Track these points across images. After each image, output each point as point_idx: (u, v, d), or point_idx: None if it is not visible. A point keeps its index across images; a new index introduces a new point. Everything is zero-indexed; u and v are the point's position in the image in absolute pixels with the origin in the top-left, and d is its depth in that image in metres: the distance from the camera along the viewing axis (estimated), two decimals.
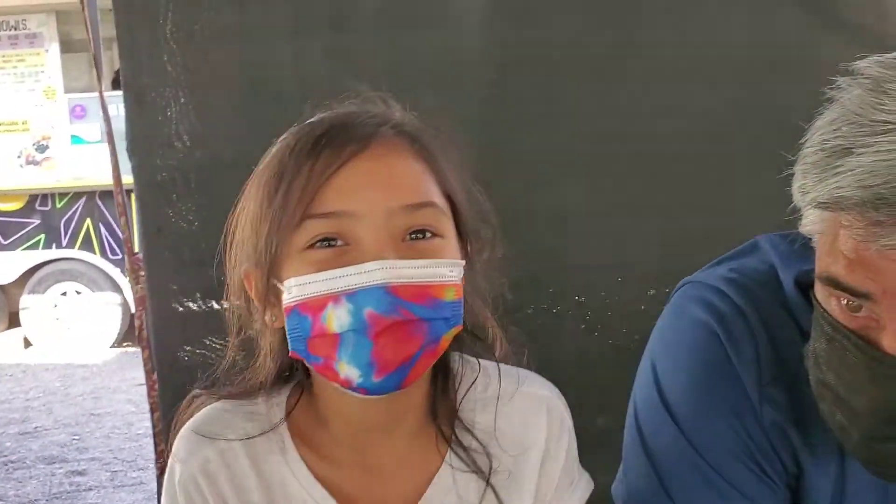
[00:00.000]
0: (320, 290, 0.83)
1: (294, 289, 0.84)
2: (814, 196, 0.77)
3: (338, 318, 0.82)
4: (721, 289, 0.95)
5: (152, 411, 1.96)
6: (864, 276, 0.75)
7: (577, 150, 1.78)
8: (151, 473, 4.26)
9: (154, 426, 1.96)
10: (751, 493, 0.89)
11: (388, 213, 0.84)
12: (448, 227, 0.88)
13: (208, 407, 0.97)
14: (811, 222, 0.81)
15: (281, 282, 0.86)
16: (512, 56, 1.77)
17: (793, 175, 0.83)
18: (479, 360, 0.97)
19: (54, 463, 4.84)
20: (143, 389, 2.18)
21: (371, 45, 1.74)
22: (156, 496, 2.22)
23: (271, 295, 0.88)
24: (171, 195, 1.80)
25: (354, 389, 0.84)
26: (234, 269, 0.95)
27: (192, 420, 0.96)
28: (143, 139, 1.80)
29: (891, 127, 0.72)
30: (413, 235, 0.85)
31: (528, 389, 0.96)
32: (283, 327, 0.88)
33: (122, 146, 1.89)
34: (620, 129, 1.78)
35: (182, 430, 0.96)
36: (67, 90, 7.84)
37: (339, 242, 0.84)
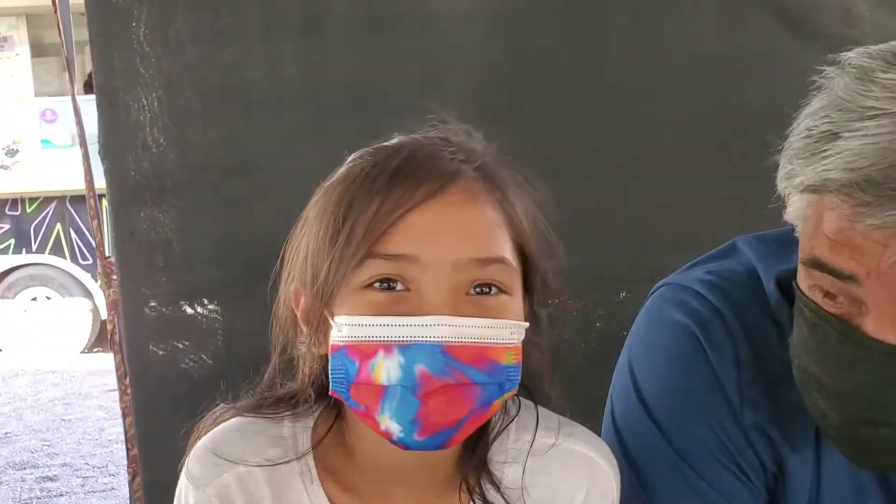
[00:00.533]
0: (373, 336, 0.77)
1: (345, 328, 0.79)
2: (801, 180, 0.78)
3: (387, 370, 0.77)
4: (698, 291, 0.95)
5: (124, 416, 1.94)
6: (849, 257, 0.75)
7: (547, 155, 1.80)
8: (123, 479, 4.22)
9: (126, 431, 1.95)
10: (729, 493, 0.90)
11: (455, 264, 0.78)
12: (516, 283, 0.83)
13: (229, 423, 0.90)
14: (796, 208, 0.81)
15: (332, 315, 0.81)
16: (485, 62, 1.78)
17: (775, 174, 0.85)
18: (522, 402, 0.91)
19: (25, 469, 4.77)
20: (115, 395, 2.17)
21: (344, 50, 1.74)
22: (127, 501, 2.20)
23: (321, 324, 0.83)
24: (144, 199, 1.79)
25: (393, 442, 0.80)
26: (286, 285, 0.89)
27: (210, 436, 0.89)
28: (115, 142, 1.79)
29: (878, 112, 0.73)
30: (478, 289, 0.80)
31: (569, 445, 0.89)
32: (328, 356, 0.83)
33: (94, 149, 1.88)
34: (592, 134, 1.80)
35: (199, 447, 0.88)
36: (38, 94, 7.76)
37: (399, 287, 0.79)
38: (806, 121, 0.80)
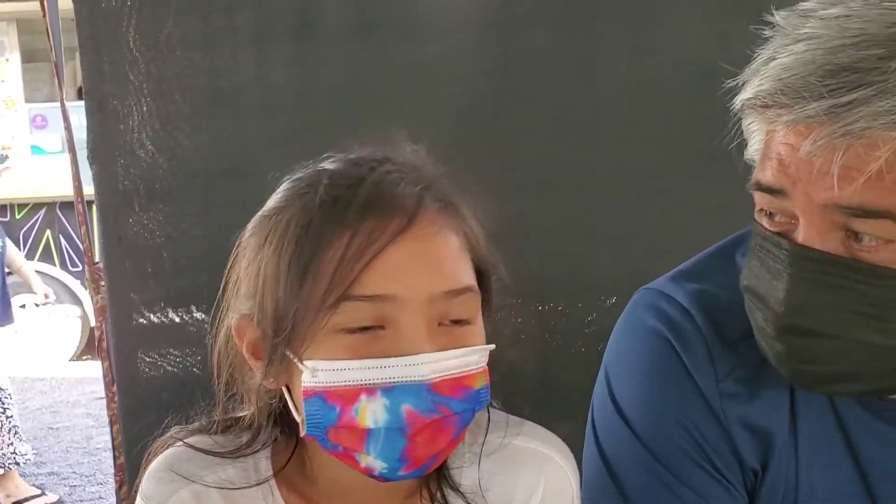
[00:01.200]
0: (353, 380, 0.75)
1: (321, 373, 0.76)
2: (741, 98, 0.84)
3: (373, 413, 0.75)
4: (669, 293, 0.97)
5: (111, 424, 1.93)
6: (778, 171, 0.81)
7: (536, 162, 1.80)
8: (110, 488, 4.20)
9: (113, 439, 1.94)
10: (706, 494, 0.90)
11: (430, 298, 0.78)
12: (478, 307, 0.83)
13: (186, 441, 0.88)
14: (750, 139, 0.88)
15: (297, 356, 0.79)
16: (475, 69, 1.78)
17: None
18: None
19: None
20: (103, 403, 2.15)
21: (335, 56, 1.75)
22: None
23: (276, 359, 0.81)
24: (133, 204, 1.79)
25: (374, 477, 0.79)
26: (224, 315, 0.87)
27: (164, 457, 0.87)
28: (104, 148, 1.78)
29: (810, 35, 0.79)
30: (454, 321, 0.80)
31: (521, 443, 0.90)
32: (282, 388, 0.82)
33: (83, 155, 1.87)
34: (580, 140, 1.80)
35: (154, 467, 0.87)
36: (28, 100, 7.74)
37: (375, 326, 0.78)
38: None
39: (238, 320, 0.85)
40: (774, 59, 0.81)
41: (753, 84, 0.83)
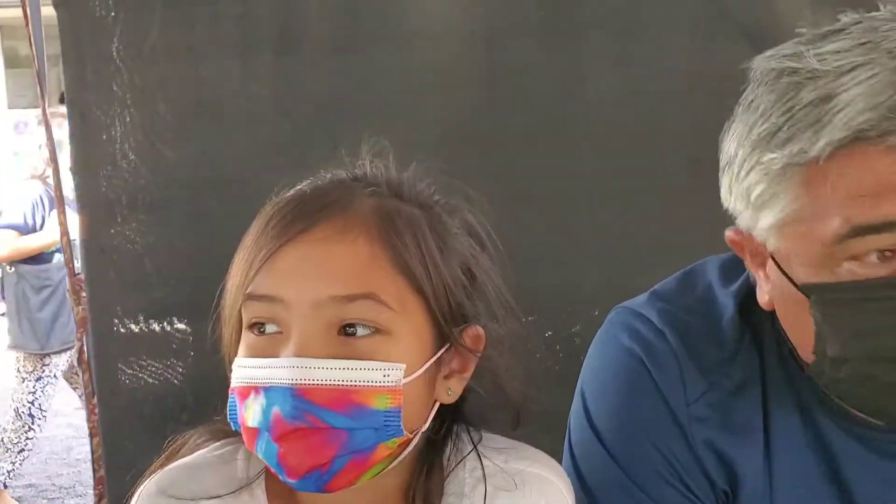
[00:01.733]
0: (248, 378, 0.78)
1: (234, 370, 0.80)
2: (827, 141, 0.75)
3: (253, 413, 0.76)
4: (644, 313, 0.97)
5: (91, 436, 1.91)
6: None
7: (522, 172, 1.81)
8: (90, 500, 4.15)
9: (93, 451, 1.92)
10: None
11: (315, 303, 0.76)
12: (399, 321, 0.78)
13: (178, 463, 0.87)
14: (783, 209, 0.79)
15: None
16: (460, 80, 1.79)
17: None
18: (471, 431, 0.89)
19: None
20: (83, 413, 2.13)
21: (320, 67, 1.74)
22: None
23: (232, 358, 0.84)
24: (115, 215, 1.78)
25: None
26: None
27: (157, 477, 0.86)
28: (87, 157, 1.77)
29: (851, 65, 0.74)
30: (350, 330, 0.77)
31: (523, 467, 0.87)
32: None
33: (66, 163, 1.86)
34: (566, 151, 1.81)
35: (146, 488, 0.86)
36: (11, 106, 7.70)
37: (273, 329, 0.78)
38: (759, 112, 0.80)
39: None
40: (832, 97, 0.75)
41: (825, 128, 0.75)
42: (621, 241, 1.80)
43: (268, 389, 0.76)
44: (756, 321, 0.92)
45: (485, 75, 1.79)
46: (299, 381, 0.74)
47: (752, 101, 0.83)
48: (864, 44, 0.77)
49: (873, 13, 0.82)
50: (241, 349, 0.80)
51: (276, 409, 0.75)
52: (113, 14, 1.72)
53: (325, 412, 0.74)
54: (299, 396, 0.74)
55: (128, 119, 1.75)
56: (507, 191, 1.80)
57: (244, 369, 0.78)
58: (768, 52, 0.83)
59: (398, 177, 0.87)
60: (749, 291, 0.92)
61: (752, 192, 0.82)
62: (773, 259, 0.84)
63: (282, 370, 0.75)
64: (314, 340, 0.76)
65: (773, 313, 0.89)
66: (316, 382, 0.75)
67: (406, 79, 1.76)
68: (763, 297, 0.88)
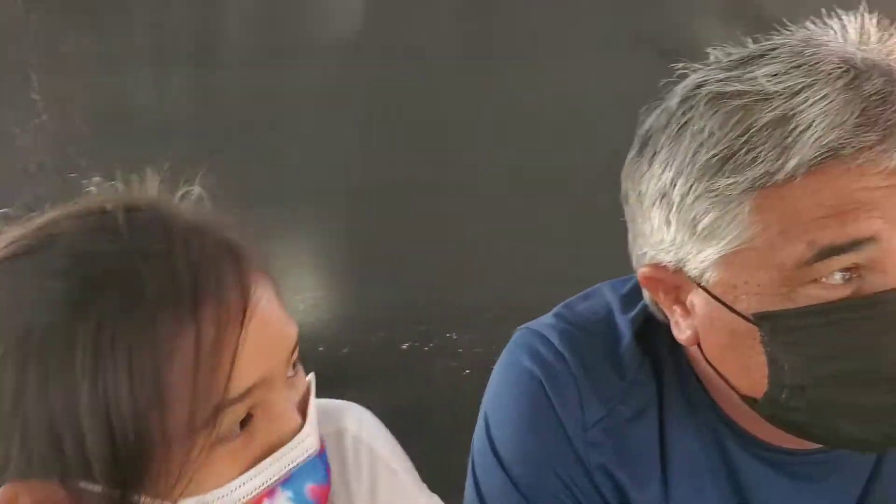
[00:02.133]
0: (253, 490, 0.62)
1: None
2: (798, 161, 0.73)
3: None
4: (545, 335, 0.95)
5: None
6: (868, 215, 0.73)
7: (446, 186, 1.81)
8: None
9: None
10: None
11: (288, 362, 0.65)
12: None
13: None
14: (736, 237, 0.77)
15: (168, 499, 0.60)
16: (379, 94, 1.80)
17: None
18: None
19: None
20: None
21: (236, 79, 1.74)
22: None
23: None
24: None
25: None
26: None
27: None
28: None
29: (799, 86, 0.74)
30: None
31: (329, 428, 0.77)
32: None
33: None
34: (480, 169, 1.82)
35: None
36: None
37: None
38: (704, 137, 0.77)
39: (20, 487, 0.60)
40: (793, 116, 0.73)
41: (798, 145, 0.73)
42: (551, 258, 1.80)
43: (290, 477, 0.65)
44: (654, 349, 0.92)
45: (402, 90, 1.80)
46: (319, 442, 0.69)
47: (684, 126, 0.79)
48: (799, 66, 0.76)
49: (783, 39, 0.80)
50: (217, 472, 0.62)
51: (310, 486, 0.67)
52: (26, 20, 1.69)
53: (324, 455, 0.69)
54: (323, 454, 0.68)
55: (39, 128, 1.71)
56: (428, 203, 1.80)
57: (243, 487, 0.63)
58: (697, 77, 0.80)
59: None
60: (647, 318, 0.90)
61: (699, 223, 0.78)
62: (708, 292, 0.81)
63: (302, 444, 0.67)
64: (291, 401, 0.67)
65: (671, 342, 0.88)
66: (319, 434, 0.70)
67: (321, 91, 1.76)
68: (682, 333, 0.85)
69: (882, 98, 0.73)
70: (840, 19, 0.81)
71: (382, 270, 1.77)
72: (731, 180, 0.75)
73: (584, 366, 0.92)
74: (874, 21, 0.80)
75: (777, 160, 0.73)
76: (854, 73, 0.74)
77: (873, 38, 0.79)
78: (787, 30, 0.84)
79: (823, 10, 0.84)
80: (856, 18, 0.81)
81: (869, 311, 0.76)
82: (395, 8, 1.84)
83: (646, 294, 0.89)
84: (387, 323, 1.76)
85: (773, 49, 0.79)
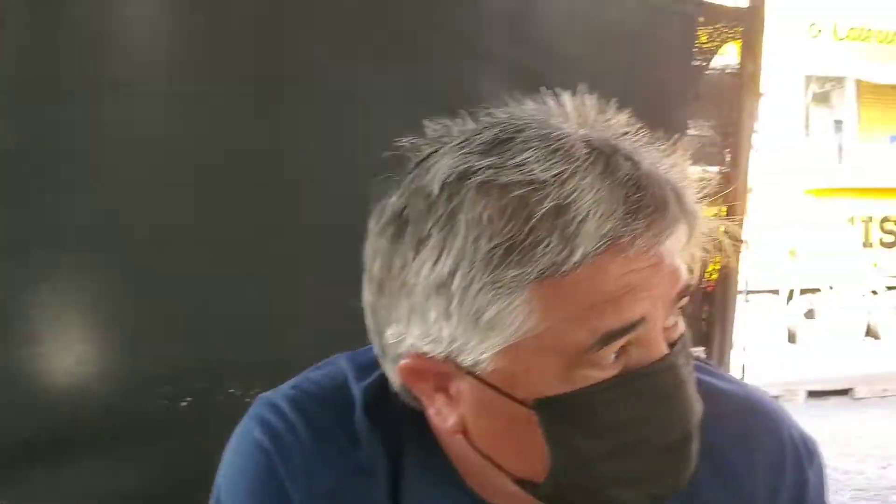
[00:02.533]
0: None
1: None
2: (583, 251, 0.75)
3: None
4: (278, 404, 0.93)
5: None
6: (637, 297, 0.77)
7: (227, 237, 1.77)
8: None
9: None
10: None
11: None
12: None
13: None
14: (519, 327, 0.77)
15: None
16: (164, 139, 1.72)
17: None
18: None
19: None
20: None
21: (7, 114, 1.59)
22: None
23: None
24: None
25: None
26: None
27: None
28: None
29: (564, 173, 0.76)
30: None
31: None
32: None
33: None
34: (277, 217, 1.80)
35: None
36: None
37: None
38: (482, 226, 0.76)
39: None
40: (568, 207, 0.75)
41: (581, 236, 0.75)
42: (324, 315, 1.79)
43: None
44: (390, 420, 0.91)
45: (191, 136, 1.74)
46: None
47: (452, 213, 0.77)
48: (555, 151, 0.77)
49: (518, 120, 0.82)
50: None
51: None
52: None
53: None
54: None
55: None
56: (215, 255, 1.74)
57: None
58: (452, 162, 0.79)
59: None
60: (382, 386, 0.90)
61: (482, 314, 0.77)
62: (485, 381, 0.81)
63: None
64: None
65: (411, 414, 0.88)
66: None
67: (103, 134, 1.65)
68: (446, 420, 0.84)
69: (635, 184, 0.76)
70: (556, 96, 0.83)
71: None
72: (516, 271, 0.75)
73: (314, 435, 0.90)
74: (586, 99, 0.83)
75: (563, 251, 0.74)
76: (603, 157, 0.77)
77: (592, 116, 0.82)
78: (500, 108, 0.85)
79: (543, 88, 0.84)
80: (570, 96, 0.84)
81: (639, 383, 0.79)
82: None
83: (396, 382, 0.87)
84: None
85: (519, 131, 0.80)
